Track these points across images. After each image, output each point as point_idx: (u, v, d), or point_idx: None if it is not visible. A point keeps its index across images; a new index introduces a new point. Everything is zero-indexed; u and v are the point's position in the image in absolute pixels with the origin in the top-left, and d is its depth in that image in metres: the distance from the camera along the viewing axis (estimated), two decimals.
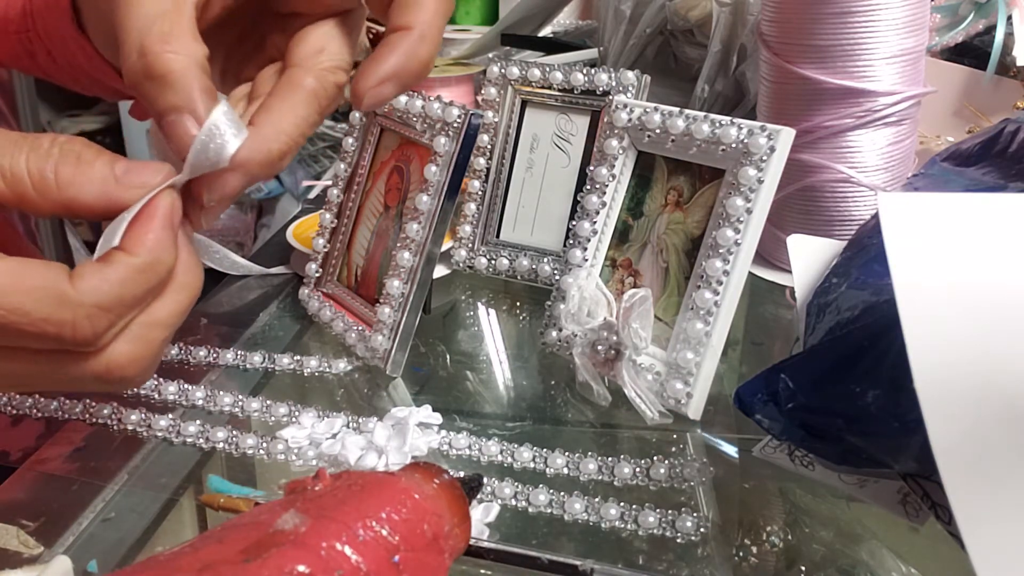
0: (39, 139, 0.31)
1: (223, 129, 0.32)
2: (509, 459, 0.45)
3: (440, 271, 0.65)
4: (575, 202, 0.60)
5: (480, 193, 0.64)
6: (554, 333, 0.53)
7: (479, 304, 0.64)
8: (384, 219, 0.57)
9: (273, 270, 0.68)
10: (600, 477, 0.44)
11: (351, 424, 0.48)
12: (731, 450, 0.46)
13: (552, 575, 0.36)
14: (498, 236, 0.65)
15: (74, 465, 0.45)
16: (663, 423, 0.46)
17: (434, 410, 0.48)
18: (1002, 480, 0.29)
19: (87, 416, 0.48)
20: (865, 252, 0.44)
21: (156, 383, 0.51)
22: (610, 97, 0.59)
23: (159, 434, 0.47)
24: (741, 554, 0.39)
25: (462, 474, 0.36)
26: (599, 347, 0.49)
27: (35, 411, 0.49)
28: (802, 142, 0.58)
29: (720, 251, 0.46)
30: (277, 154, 0.33)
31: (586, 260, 0.53)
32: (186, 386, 0.51)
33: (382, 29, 1.16)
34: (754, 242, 0.46)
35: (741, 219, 0.46)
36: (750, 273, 0.48)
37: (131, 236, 0.32)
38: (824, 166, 0.60)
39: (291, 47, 0.36)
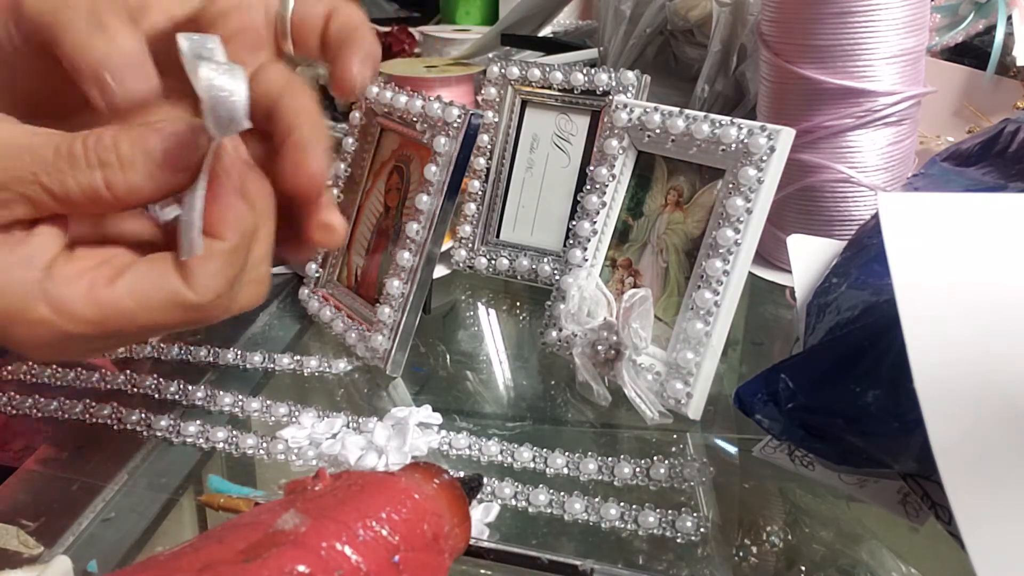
0: (72, 150, 0.32)
1: (220, 81, 0.31)
2: (509, 459, 0.45)
3: (440, 271, 0.65)
4: (575, 202, 0.60)
5: (480, 193, 0.64)
6: (554, 333, 0.53)
7: (479, 304, 0.64)
8: (384, 219, 0.57)
9: (273, 270, 0.68)
10: (600, 477, 0.44)
11: (351, 424, 0.48)
12: (731, 450, 0.46)
13: (552, 575, 0.36)
14: (498, 236, 0.65)
15: (74, 465, 0.44)
16: (663, 423, 0.46)
17: (434, 410, 0.48)
18: (1002, 480, 0.29)
19: (87, 416, 0.48)
20: (865, 252, 0.44)
21: (156, 383, 0.51)
22: (610, 97, 0.59)
23: (159, 434, 0.47)
24: (741, 554, 0.39)
25: (462, 474, 0.36)
26: (599, 347, 0.49)
27: (35, 411, 0.49)
28: (802, 142, 0.58)
29: (720, 251, 0.46)
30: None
31: (586, 260, 0.53)
32: (186, 386, 0.51)
33: (383, 29, 1.15)
34: (754, 242, 0.46)
35: (741, 219, 0.46)
36: (750, 273, 0.48)
37: (210, 219, 0.34)
38: (824, 166, 0.60)
39: None
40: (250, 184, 0.36)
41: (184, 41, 0.33)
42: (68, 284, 0.33)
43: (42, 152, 0.32)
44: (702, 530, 0.40)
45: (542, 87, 0.63)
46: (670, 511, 0.40)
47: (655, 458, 0.44)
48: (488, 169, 0.64)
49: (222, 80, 0.31)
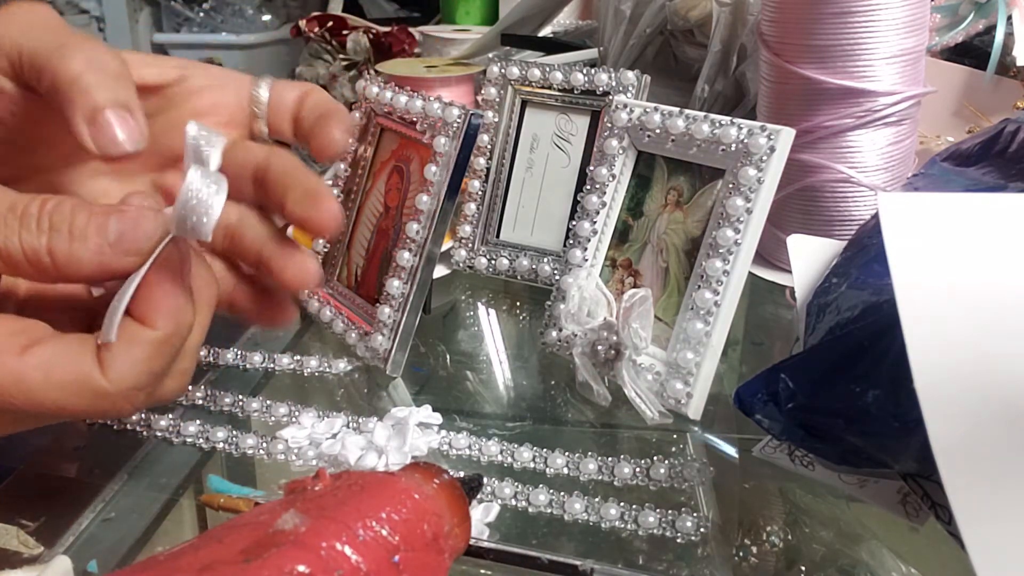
0: (28, 209, 0.31)
1: (203, 193, 0.31)
2: (509, 459, 0.45)
3: (440, 271, 0.65)
4: (575, 202, 0.60)
5: (480, 193, 0.64)
6: (554, 333, 0.53)
7: (479, 304, 0.64)
8: (384, 219, 0.57)
9: None
10: (600, 477, 0.44)
11: (351, 424, 0.48)
12: (731, 450, 0.46)
13: (552, 575, 0.36)
14: (498, 236, 0.65)
15: (74, 465, 0.45)
16: (663, 423, 0.46)
17: (434, 410, 0.48)
18: (1002, 480, 0.29)
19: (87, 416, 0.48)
20: (865, 252, 0.44)
21: None
22: (610, 97, 0.59)
23: (159, 434, 0.47)
24: (741, 554, 0.39)
25: (462, 474, 0.36)
26: (599, 347, 0.49)
27: None
28: (802, 142, 0.58)
29: (720, 251, 0.46)
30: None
31: (586, 260, 0.53)
32: None
33: (383, 29, 1.16)
34: (754, 242, 0.46)
35: (741, 219, 0.46)
36: (750, 273, 0.48)
37: (145, 306, 0.32)
38: (824, 166, 0.60)
39: None
40: (196, 272, 0.34)
41: (192, 128, 0.33)
42: None
43: None
44: (702, 530, 0.40)
45: (542, 87, 0.63)
46: (670, 511, 0.40)
47: (655, 458, 0.44)
48: (488, 169, 0.64)
49: (205, 192, 0.31)
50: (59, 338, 0.33)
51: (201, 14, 1.86)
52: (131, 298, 0.32)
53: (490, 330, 0.61)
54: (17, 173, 0.39)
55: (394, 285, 0.52)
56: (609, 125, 0.54)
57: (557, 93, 0.62)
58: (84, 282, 0.33)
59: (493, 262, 0.64)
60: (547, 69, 0.62)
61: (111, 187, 0.42)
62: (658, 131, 0.51)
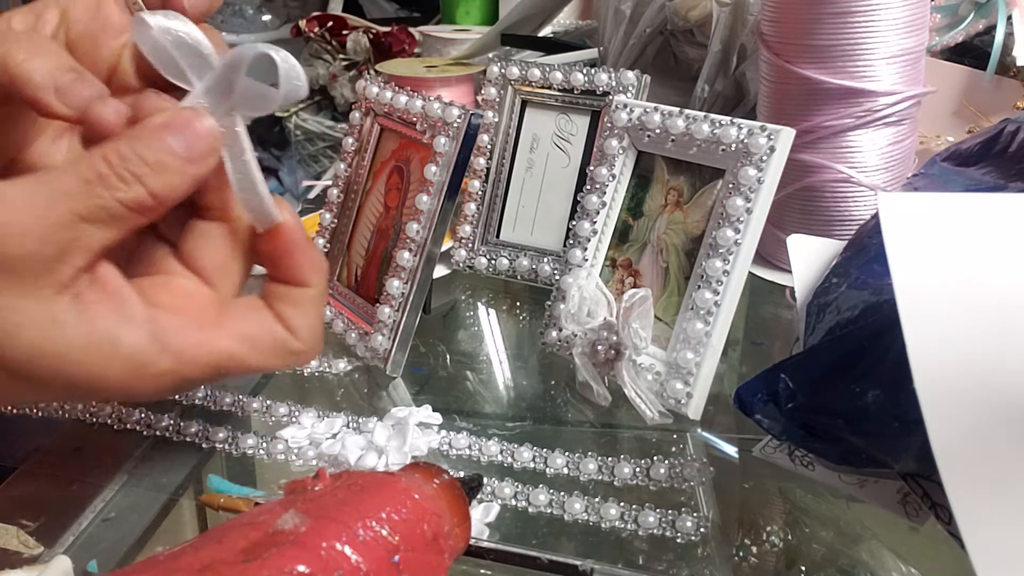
0: (99, 170, 0.33)
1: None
2: (509, 459, 0.45)
3: (440, 271, 0.65)
4: (575, 202, 0.60)
5: (480, 193, 0.64)
6: (554, 333, 0.53)
7: (479, 304, 0.64)
8: (384, 219, 0.57)
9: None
10: (600, 477, 0.44)
11: (351, 424, 0.48)
12: (731, 450, 0.46)
13: (552, 575, 0.36)
14: (498, 236, 0.65)
15: (74, 465, 0.44)
16: (663, 423, 0.46)
17: (434, 410, 0.48)
18: (1002, 480, 0.29)
19: (87, 416, 0.48)
20: (865, 252, 0.44)
21: None
22: (610, 97, 0.59)
23: (159, 434, 0.47)
24: (741, 554, 0.39)
25: (462, 474, 0.36)
26: (599, 347, 0.49)
27: (35, 411, 0.49)
28: (802, 142, 0.57)
29: (720, 251, 0.46)
30: None
31: (586, 260, 0.53)
32: None
33: (383, 29, 1.15)
34: (754, 242, 0.46)
35: (741, 219, 0.46)
36: (750, 273, 0.48)
37: (299, 271, 0.37)
38: (824, 166, 0.60)
39: None
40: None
41: (154, 24, 0.36)
42: (181, 334, 0.35)
43: (68, 188, 0.32)
44: (702, 530, 0.40)
45: (542, 87, 0.63)
46: (670, 511, 0.40)
47: (655, 458, 0.44)
48: (488, 169, 0.64)
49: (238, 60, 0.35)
50: (244, 307, 0.37)
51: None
52: (284, 266, 0.37)
53: (490, 330, 0.61)
54: None
55: (394, 285, 0.52)
56: (609, 125, 0.54)
57: (557, 93, 0.62)
58: (178, 201, 0.35)
59: (493, 262, 0.64)
60: (547, 69, 0.62)
61: (73, 141, 0.42)
62: (658, 131, 0.51)
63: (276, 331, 0.37)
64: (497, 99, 0.64)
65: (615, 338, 0.48)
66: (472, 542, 0.35)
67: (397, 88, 0.57)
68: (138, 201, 0.33)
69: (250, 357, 0.36)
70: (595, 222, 0.53)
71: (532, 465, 0.45)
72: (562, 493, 0.42)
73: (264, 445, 0.46)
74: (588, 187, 0.54)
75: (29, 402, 0.38)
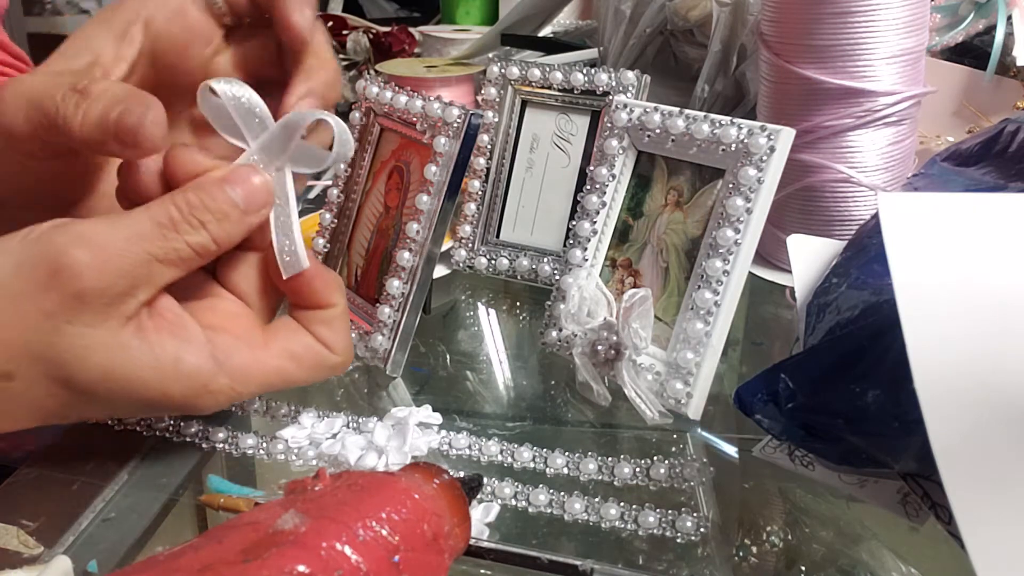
0: (171, 215, 0.37)
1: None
2: (509, 459, 0.45)
3: (440, 271, 0.65)
4: (575, 202, 0.60)
5: (480, 193, 0.64)
6: (554, 333, 0.53)
7: (479, 304, 0.64)
8: (384, 219, 0.57)
9: None
10: (600, 477, 0.44)
11: (351, 424, 0.48)
12: (731, 450, 0.46)
13: (552, 575, 0.36)
14: (498, 236, 0.65)
15: (74, 465, 0.44)
16: (663, 423, 0.46)
17: (434, 410, 0.48)
18: (1002, 480, 0.29)
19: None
20: (865, 252, 0.44)
21: None
22: (610, 97, 0.59)
23: (159, 434, 0.47)
24: (741, 554, 0.39)
25: (462, 474, 0.36)
26: (599, 347, 0.49)
27: None
28: (802, 142, 0.58)
29: (720, 251, 0.46)
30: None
31: (586, 260, 0.53)
32: None
33: (383, 29, 1.16)
34: (754, 242, 0.46)
35: (741, 219, 0.46)
36: (750, 273, 0.48)
37: (323, 294, 0.41)
38: (824, 166, 0.60)
39: None
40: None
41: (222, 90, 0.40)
42: (235, 353, 0.39)
43: (143, 231, 0.36)
44: (702, 530, 0.40)
45: (542, 87, 0.63)
46: (670, 511, 0.40)
47: (655, 458, 0.44)
48: (488, 169, 0.64)
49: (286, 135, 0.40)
50: (284, 327, 0.41)
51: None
52: (308, 296, 0.41)
53: (490, 330, 0.61)
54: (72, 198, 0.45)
55: (394, 285, 0.52)
56: (609, 125, 0.54)
57: (557, 93, 0.62)
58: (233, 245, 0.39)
59: (493, 262, 0.64)
60: (547, 69, 0.62)
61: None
62: (658, 131, 0.51)
63: (316, 348, 0.41)
64: (497, 99, 0.64)
65: (615, 338, 0.48)
66: (472, 542, 0.35)
67: (397, 88, 0.57)
68: (203, 245, 0.37)
69: (296, 373, 0.40)
70: (595, 222, 0.53)
71: (532, 465, 0.45)
72: (562, 493, 0.42)
73: (264, 445, 0.46)
74: (588, 187, 0.54)
75: (101, 418, 0.44)
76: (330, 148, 0.40)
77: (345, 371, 0.44)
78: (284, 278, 0.40)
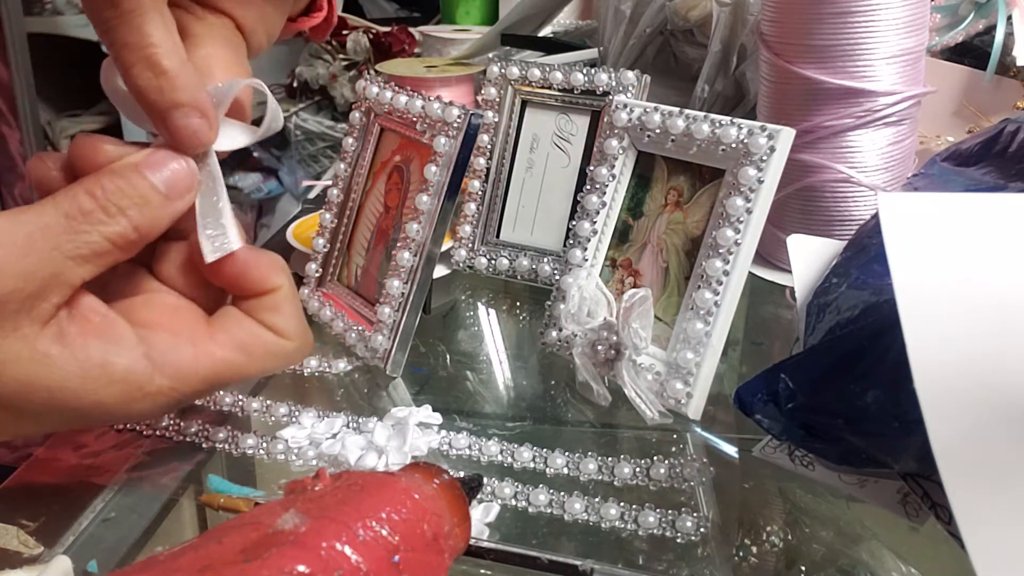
0: (83, 206, 0.33)
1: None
2: (509, 459, 0.45)
3: (440, 271, 0.65)
4: (575, 202, 0.60)
5: (480, 193, 0.64)
6: (554, 333, 0.53)
7: (479, 304, 0.64)
8: (384, 219, 0.57)
9: None
10: (600, 477, 0.44)
11: (351, 424, 0.48)
12: (731, 450, 0.46)
13: (552, 575, 0.36)
14: (498, 236, 0.65)
15: (74, 465, 0.44)
16: (663, 423, 0.46)
17: (434, 410, 0.48)
18: (1002, 480, 0.29)
19: None
20: (865, 252, 0.44)
21: None
22: (610, 97, 0.59)
23: (159, 434, 0.47)
24: (741, 554, 0.39)
25: (462, 474, 0.36)
26: (599, 347, 0.49)
27: None
28: (802, 142, 0.58)
29: (720, 251, 0.46)
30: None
31: (586, 260, 0.53)
32: None
33: (383, 29, 1.16)
34: (754, 242, 0.46)
35: (741, 219, 0.46)
36: (750, 273, 0.48)
37: (257, 278, 0.38)
38: (824, 166, 0.60)
39: None
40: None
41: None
42: (174, 351, 0.35)
43: (49, 224, 0.32)
44: (702, 530, 0.40)
45: (542, 87, 0.63)
46: (670, 511, 0.40)
47: (655, 458, 0.44)
48: (488, 169, 0.64)
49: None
50: (230, 317, 0.38)
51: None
52: (246, 284, 0.38)
53: (490, 330, 0.61)
54: None
55: (394, 285, 0.52)
56: (609, 125, 0.54)
57: (557, 93, 0.62)
58: (156, 236, 0.36)
59: (493, 262, 0.64)
60: (547, 69, 0.62)
61: None
62: (658, 131, 0.51)
63: (265, 336, 0.37)
64: (497, 99, 0.64)
65: (615, 338, 0.48)
66: (472, 542, 0.35)
67: (397, 88, 0.57)
68: (122, 235, 0.33)
69: (247, 364, 0.37)
70: (595, 222, 0.53)
71: (532, 465, 0.45)
72: (562, 493, 0.42)
73: (264, 445, 0.46)
74: (588, 187, 0.54)
75: (28, 435, 0.38)
76: (257, 123, 0.38)
77: (304, 357, 0.41)
78: (207, 262, 0.37)
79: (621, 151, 0.53)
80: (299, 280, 0.62)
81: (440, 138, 0.52)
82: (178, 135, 0.35)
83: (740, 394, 0.41)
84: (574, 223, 0.54)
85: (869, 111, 0.58)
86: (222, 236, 0.37)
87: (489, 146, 0.64)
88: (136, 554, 0.39)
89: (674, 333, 0.48)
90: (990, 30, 0.76)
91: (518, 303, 0.64)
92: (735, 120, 0.48)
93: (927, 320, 0.33)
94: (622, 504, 0.41)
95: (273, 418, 0.49)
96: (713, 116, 0.49)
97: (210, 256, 0.36)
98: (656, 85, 0.63)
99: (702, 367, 0.46)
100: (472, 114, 0.52)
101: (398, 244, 0.53)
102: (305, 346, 0.39)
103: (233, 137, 0.37)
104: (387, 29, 1.09)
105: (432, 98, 0.54)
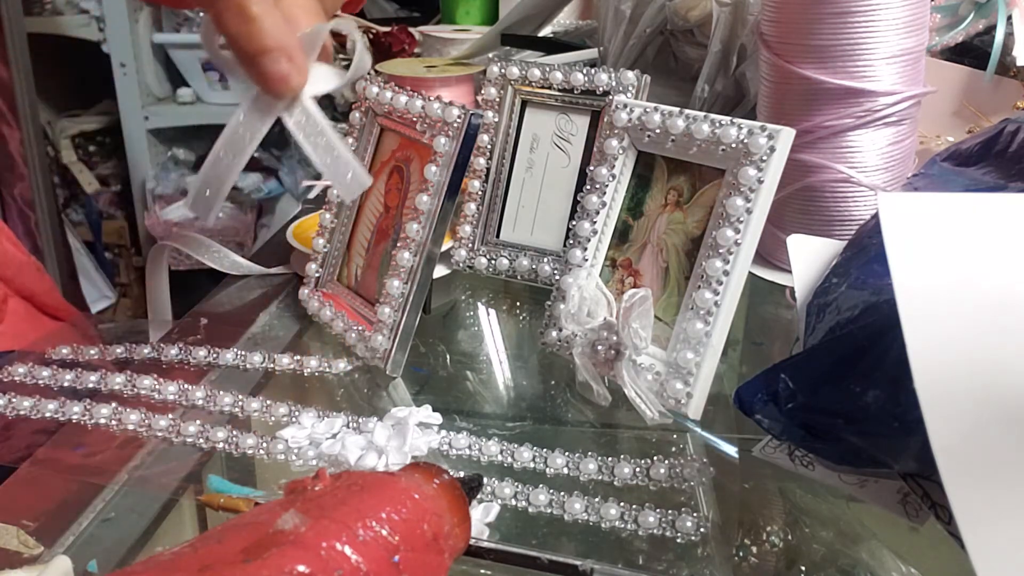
0: None
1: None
2: (509, 459, 0.45)
3: (440, 271, 0.65)
4: (575, 202, 0.60)
5: (480, 193, 0.64)
6: (554, 333, 0.53)
7: (479, 304, 0.64)
8: (384, 219, 0.57)
9: (273, 270, 0.68)
10: (600, 477, 0.44)
11: (351, 424, 0.48)
12: (731, 450, 0.46)
13: (552, 575, 0.36)
14: (498, 236, 0.65)
15: (74, 465, 0.44)
16: (663, 423, 0.46)
17: (434, 410, 0.48)
18: (1002, 480, 0.29)
19: (87, 416, 0.48)
20: (865, 252, 0.44)
21: (156, 383, 0.51)
22: (610, 97, 0.59)
23: (159, 434, 0.47)
24: (741, 554, 0.39)
25: (462, 474, 0.36)
26: (599, 347, 0.49)
27: (35, 411, 0.49)
28: (802, 142, 0.58)
29: (720, 251, 0.46)
30: None
31: (586, 260, 0.53)
32: (186, 386, 0.51)
33: (383, 29, 1.16)
34: (754, 242, 0.46)
35: (741, 219, 0.46)
36: (750, 273, 0.48)
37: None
38: (824, 166, 0.60)
39: None
40: None
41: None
42: None
43: None
44: (702, 530, 0.40)
45: (542, 87, 0.63)
46: (670, 511, 0.40)
47: (655, 458, 0.44)
48: (488, 169, 0.64)
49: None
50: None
51: (201, 14, 1.85)
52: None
53: (490, 330, 0.61)
54: None
55: (394, 285, 0.52)
56: (609, 125, 0.54)
57: (557, 93, 0.62)
58: None
59: (493, 262, 0.64)
60: (547, 69, 0.62)
61: None
62: (658, 131, 0.51)
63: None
64: (497, 99, 0.64)
65: (615, 338, 0.48)
66: (472, 542, 0.35)
67: (397, 88, 0.57)
68: None
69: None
70: (595, 222, 0.53)
71: (532, 465, 0.45)
72: (562, 493, 0.42)
73: (264, 445, 0.46)
74: (588, 187, 0.54)
75: None
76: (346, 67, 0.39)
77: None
78: (348, 201, 0.39)
79: (621, 151, 0.53)
80: (299, 280, 0.62)
81: (440, 138, 0.52)
82: (268, 80, 0.38)
83: (740, 394, 0.41)
84: (574, 223, 0.54)
85: (869, 111, 0.58)
86: (348, 174, 0.38)
87: (489, 146, 0.64)
88: (136, 554, 0.39)
89: (674, 333, 0.48)
90: (990, 30, 0.76)
91: (518, 303, 0.64)
92: (735, 120, 0.48)
93: (927, 320, 0.33)
94: (622, 504, 0.41)
95: (273, 418, 0.49)
96: (713, 116, 0.49)
97: (348, 197, 0.38)
98: (656, 85, 0.63)
99: (702, 367, 0.46)
100: (472, 114, 0.52)
101: (398, 244, 0.53)
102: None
103: (325, 80, 0.39)
104: (387, 29, 1.09)
105: (432, 98, 0.54)
